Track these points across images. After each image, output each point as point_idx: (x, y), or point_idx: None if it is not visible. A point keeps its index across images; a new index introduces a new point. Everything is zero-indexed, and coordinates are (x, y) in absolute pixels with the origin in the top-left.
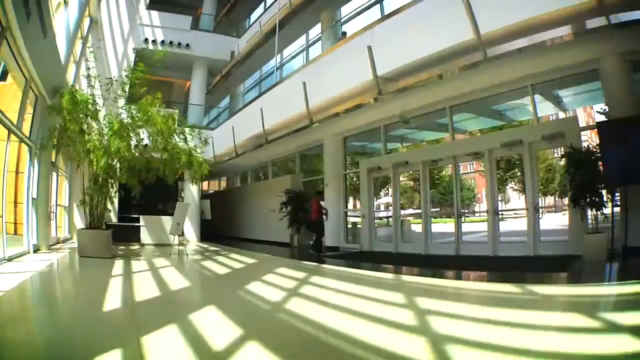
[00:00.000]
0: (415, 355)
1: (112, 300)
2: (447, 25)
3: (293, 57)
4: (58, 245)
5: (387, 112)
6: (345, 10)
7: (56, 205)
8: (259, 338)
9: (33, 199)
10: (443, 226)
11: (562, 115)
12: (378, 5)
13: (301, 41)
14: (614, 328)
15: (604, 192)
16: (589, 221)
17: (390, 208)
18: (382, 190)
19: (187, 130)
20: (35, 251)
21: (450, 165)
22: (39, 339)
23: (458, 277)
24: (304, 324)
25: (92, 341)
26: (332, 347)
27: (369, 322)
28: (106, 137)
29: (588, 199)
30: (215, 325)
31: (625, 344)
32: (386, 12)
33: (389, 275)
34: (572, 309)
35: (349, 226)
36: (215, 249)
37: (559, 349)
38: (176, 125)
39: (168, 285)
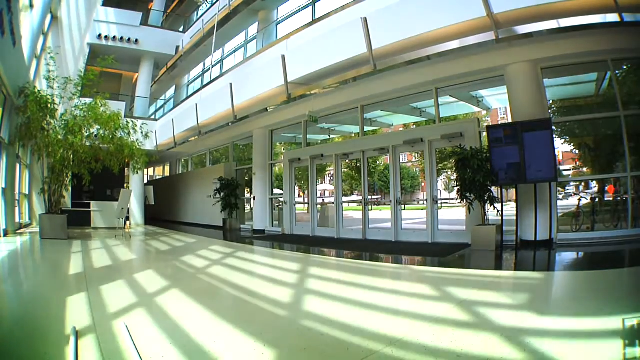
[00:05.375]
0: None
1: (74, 265)
2: (347, 41)
3: (232, 53)
4: (21, 230)
5: (305, 110)
6: (282, 10)
7: (19, 193)
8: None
9: (2, 188)
10: (378, 213)
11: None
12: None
13: (241, 38)
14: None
15: (493, 188)
16: (487, 214)
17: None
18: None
19: (130, 125)
20: (4, 235)
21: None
22: (25, 287)
23: (339, 255)
24: (218, 281)
25: (62, 287)
26: (225, 290)
27: (262, 280)
28: (62, 133)
29: (474, 195)
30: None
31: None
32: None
33: (294, 253)
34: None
35: (275, 211)
36: (156, 230)
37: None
38: (121, 120)
39: (115, 257)
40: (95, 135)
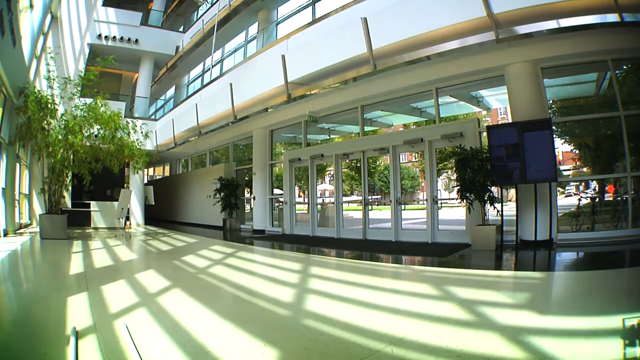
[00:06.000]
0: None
1: (74, 265)
2: (347, 41)
3: (232, 53)
4: (21, 230)
5: (305, 110)
6: (282, 10)
7: (19, 193)
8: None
9: (2, 188)
10: (378, 213)
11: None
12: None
13: (241, 37)
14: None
15: (493, 188)
16: (487, 214)
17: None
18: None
19: (130, 125)
20: (5, 235)
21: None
22: (25, 287)
23: (339, 255)
24: (218, 281)
25: (62, 287)
26: (225, 290)
27: (262, 280)
28: (62, 133)
29: (474, 195)
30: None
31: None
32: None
33: (295, 253)
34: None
35: (275, 211)
36: (156, 230)
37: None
38: (121, 120)
39: (115, 257)
40: (96, 135)
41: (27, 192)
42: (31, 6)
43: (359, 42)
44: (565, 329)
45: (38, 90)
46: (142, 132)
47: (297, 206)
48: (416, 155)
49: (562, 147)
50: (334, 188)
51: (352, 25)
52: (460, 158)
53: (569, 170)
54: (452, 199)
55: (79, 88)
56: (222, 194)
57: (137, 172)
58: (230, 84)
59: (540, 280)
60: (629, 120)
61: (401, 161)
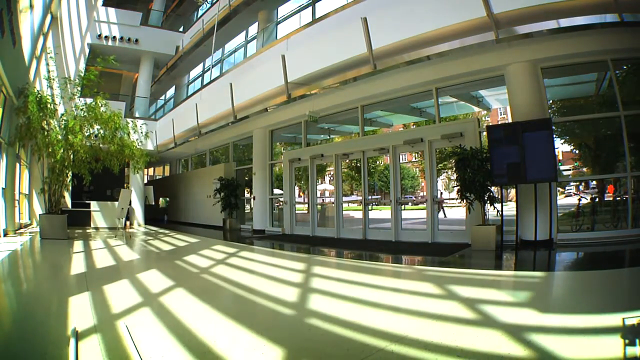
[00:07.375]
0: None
1: (75, 265)
2: (347, 41)
3: (232, 53)
4: (21, 230)
5: (305, 110)
6: (282, 10)
7: (18, 193)
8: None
9: (2, 188)
10: (378, 213)
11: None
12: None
13: (241, 37)
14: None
15: (493, 188)
16: (487, 214)
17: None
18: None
19: (130, 125)
20: (5, 235)
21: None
22: (25, 288)
23: (340, 255)
24: (219, 280)
25: (63, 287)
26: (225, 289)
27: (263, 279)
28: (63, 133)
29: (474, 195)
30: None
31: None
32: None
33: (295, 253)
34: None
35: (275, 211)
36: (156, 230)
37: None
38: (121, 120)
39: (116, 257)
40: (96, 135)
41: (27, 192)
42: (31, 6)
43: (359, 42)
44: (565, 327)
45: (38, 91)
46: (142, 132)
47: (297, 206)
48: (416, 155)
49: (562, 147)
50: (334, 188)
51: (352, 25)
52: (460, 158)
53: (569, 170)
54: (452, 199)
55: (79, 88)
56: (222, 194)
57: (137, 172)
58: (230, 84)
59: (541, 279)
60: (629, 120)
61: (401, 161)
